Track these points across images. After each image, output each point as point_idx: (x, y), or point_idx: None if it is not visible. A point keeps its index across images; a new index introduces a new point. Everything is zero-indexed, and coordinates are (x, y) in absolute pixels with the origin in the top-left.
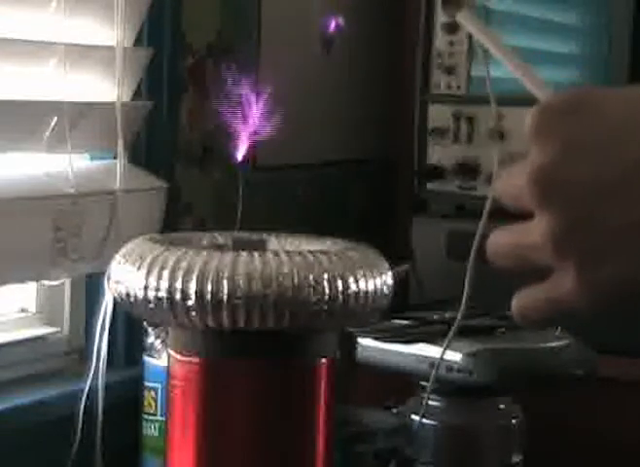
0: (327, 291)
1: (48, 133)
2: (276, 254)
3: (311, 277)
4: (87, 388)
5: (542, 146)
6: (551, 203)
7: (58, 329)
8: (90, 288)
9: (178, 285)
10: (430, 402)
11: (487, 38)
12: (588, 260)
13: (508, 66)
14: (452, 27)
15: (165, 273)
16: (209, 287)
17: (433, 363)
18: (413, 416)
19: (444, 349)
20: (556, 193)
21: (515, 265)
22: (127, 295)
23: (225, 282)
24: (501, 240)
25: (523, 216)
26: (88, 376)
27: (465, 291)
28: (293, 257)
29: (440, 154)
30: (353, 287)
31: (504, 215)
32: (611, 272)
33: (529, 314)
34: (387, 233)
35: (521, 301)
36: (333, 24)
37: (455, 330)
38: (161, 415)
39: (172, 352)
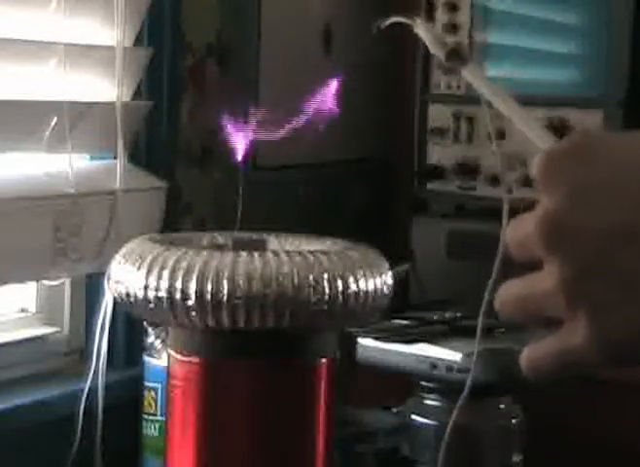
0: (327, 291)
1: (48, 133)
2: (276, 254)
3: (311, 277)
4: (87, 388)
5: (549, 192)
6: (560, 250)
7: (58, 329)
8: (90, 288)
9: (178, 285)
10: (430, 402)
11: (491, 91)
12: (601, 308)
13: (512, 119)
14: (452, 27)
15: (165, 273)
16: (209, 287)
17: (434, 363)
18: (413, 416)
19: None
20: (566, 239)
21: (525, 316)
22: (127, 295)
23: (225, 282)
24: (509, 291)
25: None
26: (88, 376)
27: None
28: (293, 257)
29: (440, 154)
30: (353, 287)
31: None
32: (625, 321)
33: (540, 367)
34: (387, 233)
35: (532, 354)
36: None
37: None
38: (161, 415)
39: (172, 352)
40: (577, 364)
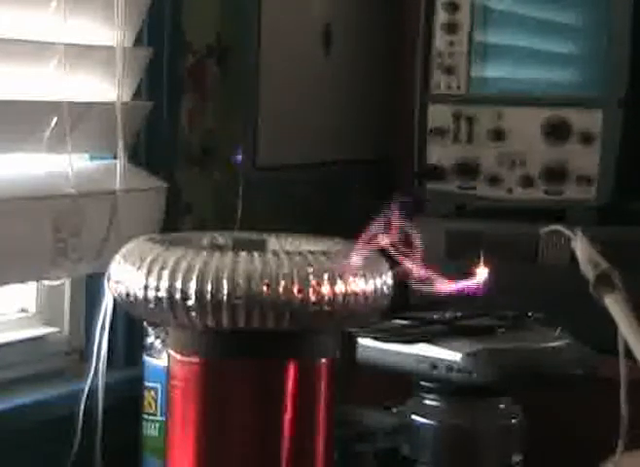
0: (327, 291)
1: (48, 133)
2: (276, 254)
3: (311, 277)
4: (87, 388)
5: None
6: None
7: (58, 329)
8: (90, 288)
9: (178, 285)
10: (430, 402)
11: (630, 327)
12: None
13: None
14: (452, 27)
15: (165, 273)
16: (209, 287)
17: (434, 363)
18: (413, 416)
19: None
20: None
21: None
22: (127, 295)
23: (225, 282)
24: None
25: None
26: (88, 376)
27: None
28: (293, 257)
29: (440, 154)
30: (353, 287)
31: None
32: None
33: None
34: (387, 233)
35: None
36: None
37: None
38: (161, 415)
39: (172, 352)
40: None
